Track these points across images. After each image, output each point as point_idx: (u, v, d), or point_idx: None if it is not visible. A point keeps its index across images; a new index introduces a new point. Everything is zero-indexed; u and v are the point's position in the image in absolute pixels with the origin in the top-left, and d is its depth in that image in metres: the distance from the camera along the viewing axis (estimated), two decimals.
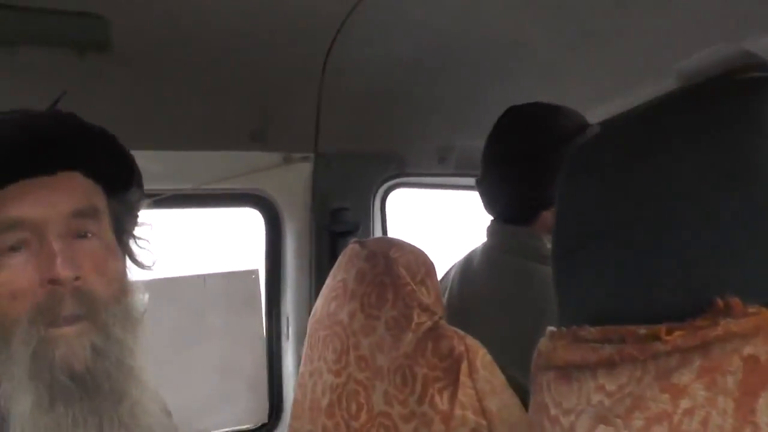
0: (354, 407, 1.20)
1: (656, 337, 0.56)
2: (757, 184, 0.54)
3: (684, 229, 0.56)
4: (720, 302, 0.53)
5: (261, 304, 1.92)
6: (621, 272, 0.61)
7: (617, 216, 0.61)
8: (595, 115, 1.48)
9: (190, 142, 1.67)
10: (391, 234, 2.01)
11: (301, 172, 1.85)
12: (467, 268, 1.51)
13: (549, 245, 1.28)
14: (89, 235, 0.86)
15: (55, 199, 0.83)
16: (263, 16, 1.42)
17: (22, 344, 0.78)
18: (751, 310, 0.52)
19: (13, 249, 0.80)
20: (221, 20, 1.42)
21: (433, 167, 1.95)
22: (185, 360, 1.79)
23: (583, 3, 1.38)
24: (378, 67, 1.67)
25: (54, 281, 0.79)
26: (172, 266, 1.82)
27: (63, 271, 0.79)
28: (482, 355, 1.11)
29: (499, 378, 1.12)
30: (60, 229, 0.82)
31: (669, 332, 0.55)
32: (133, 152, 0.98)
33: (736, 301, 0.52)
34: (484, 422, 1.08)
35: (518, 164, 1.36)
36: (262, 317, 1.92)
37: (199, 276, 1.85)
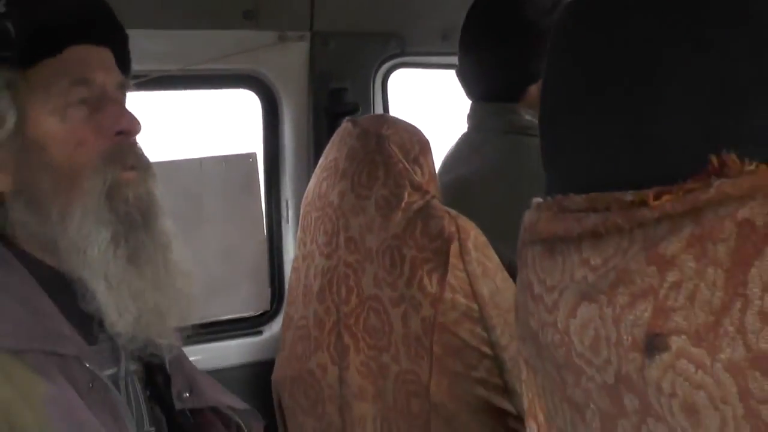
0: (344, 291, 1.18)
1: (643, 203, 0.50)
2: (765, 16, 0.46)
3: (674, 79, 0.50)
4: (714, 160, 0.46)
5: (260, 188, 1.89)
6: (608, 134, 0.55)
7: (604, 73, 0.55)
8: None
9: (180, 20, 1.61)
10: (393, 114, 1.96)
11: (298, 51, 1.78)
12: (450, 155, 1.50)
13: (534, 119, 1.28)
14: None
15: (109, 67, 0.97)
16: None
17: (98, 184, 0.91)
18: (748, 168, 0.45)
19: (79, 103, 0.92)
20: None
21: (436, 46, 1.87)
22: (184, 246, 1.78)
23: None
24: None
25: (123, 132, 0.93)
26: (168, 150, 1.78)
27: (133, 125, 0.94)
28: (474, 236, 1.07)
29: (493, 260, 1.08)
30: (114, 93, 0.96)
31: (657, 197, 0.49)
32: None
33: (731, 158, 0.46)
34: (475, 306, 1.05)
35: (501, 43, 1.33)
36: (261, 201, 1.90)
37: (195, 160, 1.81)
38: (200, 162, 1.81)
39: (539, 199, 0.65)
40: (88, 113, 0.92)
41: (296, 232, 1.76)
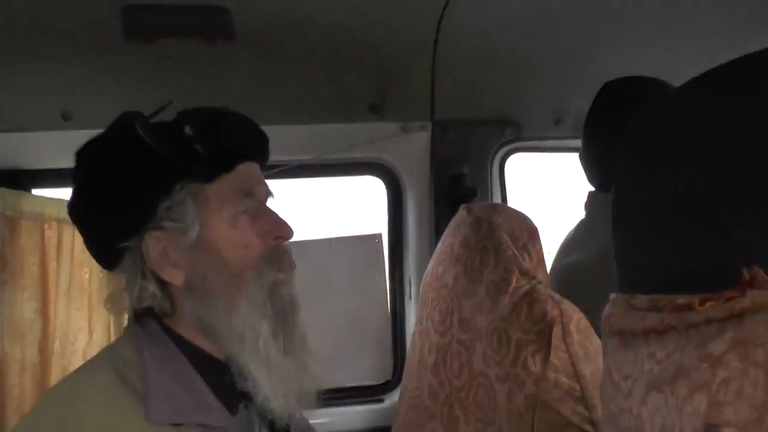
0: (456, 366, 1.26)
1: (691, 308, 0.57)
2: None
3: (720, 197, 0.57)
4: (746, 273, 0.54)
5: (384, 266, 2.00)
6: (666, 242, 0.62)
7: (661, 186, 0.62)
8: None
9: (312, 116, 1.76)
10: (510, 198, 2.03)
11: (420, 139, 1.90)
12: (565, 241, 1.56)
13: None
14: None
15: (262, 179, 1.13)
16: None
17: (262, 284, 1.05)
18: None
19: (244, 212, 1.06)
20: (333, 1, 1.50)
21: (550, 130, 1.95)
22: (313, 318, 1.90)
23: None
24: (490, 32, 1.69)
25: (282, 238, 1.08)
26: (301, 231, 1.93)
27: (288, 231, 1.09)
28: (577, 320, 1.13)
29: (595, 343, 1.14)
30: (266, 201, 1.12)
31: (702, 303, 0.56)
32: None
33: (759, 272, 0.53)
34: (577, 386, 1.10)
35: (614, 139, 1.38)
36: (385, 279, 2.00)
37: (325, 240, 1.96)
38: (329, 242, 1.95)
39: (614, 295, 0.73)
40: (251, 220, 1.07)
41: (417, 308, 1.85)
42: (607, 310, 0.74)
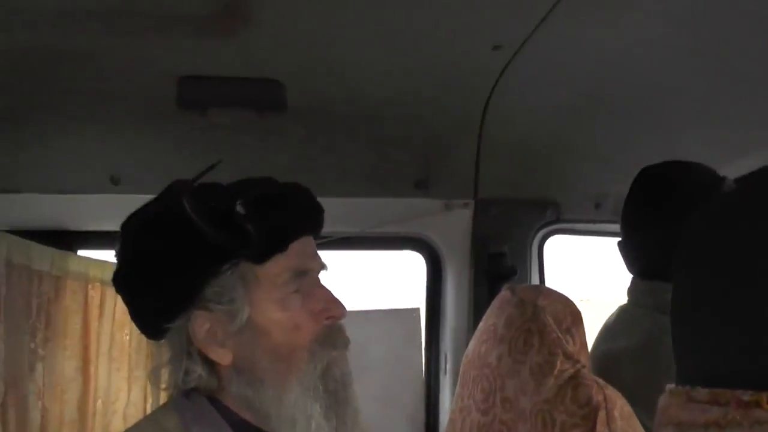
0: None
1: (758, 404, 0.58)
2: None
3: None
4: None
5: (421, 341, 2.00)
6: (730, 336, 0.62)
7: (730, 279, 0.63)
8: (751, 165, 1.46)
9: (358, 189, 1.80)
10: (548, 279, 2.04)
11: (462, 217, 1.93)
12: (607, 326, 1.56)
13: None
14: None
15: (316, 253, 1.08)
16: (424, 71, 1.53)
17: (315, 366, 1.02)
18: None
19: (296, 292, 1.02)
20: (384, 78, 1.54)
21: (590, 213, 1.97)
22: None
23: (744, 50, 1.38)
24: (535, 115, 1.73)
25: (335, 318, 1.05)
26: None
27: (341, 311, 1.05)
28: (621, 406, 1.14)
29: (638, 429, 1.14)
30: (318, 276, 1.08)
31: None
32: None
33: None
34: None
35: (653, 228, 1.39)
36: (422, 353, 2.01)
37: (362, 312, 1.97)
38: (366, 314, 1.97)
39: (671, 386, 0.74)
40: (303, 300, 1.02)
41: (453, 383, 1.85)
42: (663, 400, 0.74)
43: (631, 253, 1.50)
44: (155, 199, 1.06)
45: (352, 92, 1.59)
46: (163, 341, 1.05)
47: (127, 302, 1.05)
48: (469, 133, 1.76)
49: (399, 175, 1.83)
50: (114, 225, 1.07)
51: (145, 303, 1.03)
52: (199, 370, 1.01)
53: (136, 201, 1.06)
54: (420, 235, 1.96)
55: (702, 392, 0.66)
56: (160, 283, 1.00)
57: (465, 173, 1.87)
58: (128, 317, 1.07)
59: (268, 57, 1.44)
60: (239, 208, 0.98)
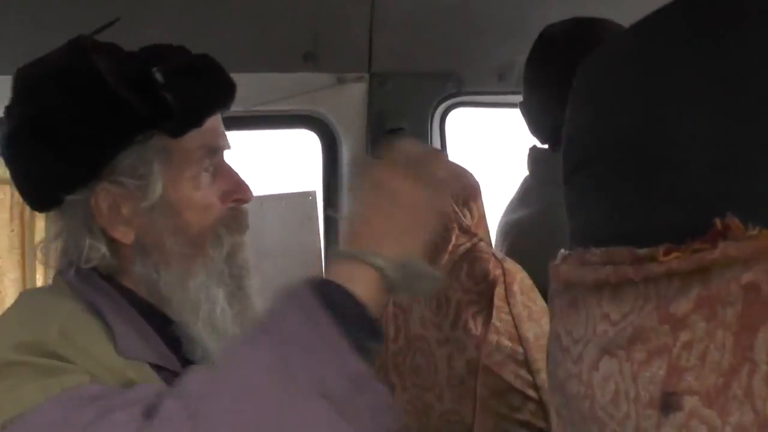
0: (392, 330, 1.20)
1: (654, 259, 0.51)
2: None
3: (687, 141, 0.51)
4: (718, 223, 0.47)
5: (319, 225, 1.92)
6: (624, 191, 0.56)
7: (619, 132, 0.56)
8: None
9: (242, 64, 1.67)
10: (450, 155, 1.97)
11: (356, 92, 1.83)
12: (512, 199, 1.52)
13: None
14: None
15: (224, 131, 1.03)
16: None
17: (222, 250, 0.98)
18: (751, 232, 0.46)
19: (206, 170, 0.98)
20: None
21: (493, 85, 1.89)
22: None
23: None
24: None
25: (242, 201, 1.02)
26: None
27: (249, 194, 1.03)
28: (521, 279, 1.08)
29: (539, 304, 1.09)
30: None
31: (666, 253, 0.50)
32: None
33: (735, 221, 0.47)
34: (520, 349, 1.05)
35: (558, 87, 1.32)
36: (320, 239, 1.93)
37: (256, 198, 1.86)
38: (261, 201, 1.86)
39: (564, 251, 0.67)
40: (211, 179, 0.99)
41: None
42: (554, 267, 0.68)
43: (535, 114, 1.43)
44: (56, 53, 0.93)
45: None
46: (55, 216, 0.97)
47: (17, 165, 0.94)
48: (361, 2, 1.63)
49: (286, 48, 1.70)
50: None
51: (41, 168, 0.92)
52: (103, 248, 0.94)
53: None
54: (312, 112, 1.85)
55: (595, 253, 0.59)
56: (64, 147, 0.90)
57: (358, 45, 1.75)
58: None
59: None
60: (157, 76, 0.90)
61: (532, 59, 1.41)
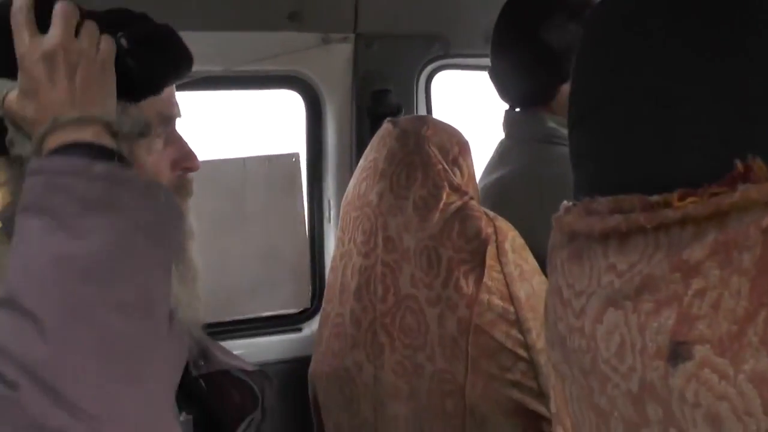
0: (381, 290, 1.18)
1: (668, 205, 0.49)
2: None
3: (701, 83, 0.49)
4: (739, 165, 0.46)
5: (302, 187, 1.91)
6: (636, 137, 0.54)
7: (631, 76, 0.54)
8: None
9: (225, 22, 1.64)
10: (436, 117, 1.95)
11: (342, 52, 1.80)
12: (489, 160, 1.51)
13: (557, 127, 1.27)
14: None
15: (178, 103, 1.03)
16: None
17: None
18: None
19: (158, 137, 0.98)
20: None
21: (479, 48, 1.84)
22: (227, 244, 1.81)
23: None
24: None
25: (190, 170, 1.02)
26: (213, 150, 1.82)
27: (198, 164, 1.02)
28: (512, 238, 1.07)
29: (530, 262, 1.08)
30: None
31: (681, 198, 0.48)
32: None
33: (757, 162, 0.45)
34: (511, 308, 1.05)
35: (530, 46, 1.31)
36: (303, 201, 1.92)
37: (239, 159, 1.84)
38: (244, 161, 1.84)
39: (567, 203, 0.65)
40: (163, 146, 0.99)
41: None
42: (558, 218, 0.66)
43: (505, 77, 1.44)
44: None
45: None
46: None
47: None
48: None
49: (270, 7, 1.65)
50: None
51: None
52: None
53: None
54: (296, 73, 1.80)
55: (602, 201, 0.57)
56: None
57: (344, 4, 1.72)
58: None
59: None
60: (122, 42, 0.89)
61: (499, 25, 1.41)
